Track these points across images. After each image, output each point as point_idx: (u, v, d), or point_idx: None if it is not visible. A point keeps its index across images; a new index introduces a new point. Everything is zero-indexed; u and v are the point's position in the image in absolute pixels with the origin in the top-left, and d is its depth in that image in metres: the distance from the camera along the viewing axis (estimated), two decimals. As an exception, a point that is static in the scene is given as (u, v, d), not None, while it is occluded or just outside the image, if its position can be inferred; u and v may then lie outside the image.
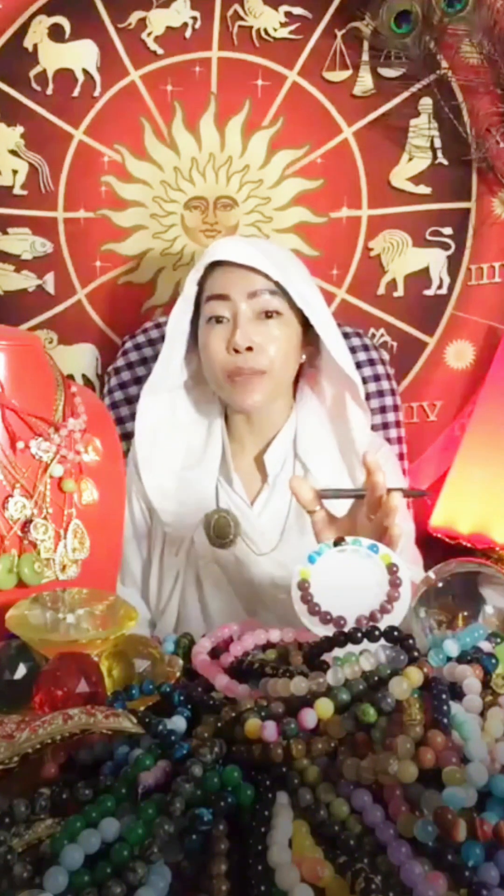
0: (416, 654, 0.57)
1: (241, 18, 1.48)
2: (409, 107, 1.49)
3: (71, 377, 1.45)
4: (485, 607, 0.68)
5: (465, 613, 0.68)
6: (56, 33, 1.46)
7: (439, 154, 1.50)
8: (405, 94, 1.49)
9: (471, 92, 1.47)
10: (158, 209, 1.52)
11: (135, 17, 1.47)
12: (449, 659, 0.59)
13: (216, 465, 1.11)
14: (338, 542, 0.73)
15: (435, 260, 1.53)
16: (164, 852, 0.44)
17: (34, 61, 1.46)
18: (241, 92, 1.50)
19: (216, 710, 0.58)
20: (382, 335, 1.55)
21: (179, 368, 1.12)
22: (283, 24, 1.48)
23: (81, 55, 1.46)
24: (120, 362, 1.40)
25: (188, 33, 1.48)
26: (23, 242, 1.50)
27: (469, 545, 1.42)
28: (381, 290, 1.54)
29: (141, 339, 1.40)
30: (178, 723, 0.56)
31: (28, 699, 0.58)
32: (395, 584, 0.69)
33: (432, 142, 1.50)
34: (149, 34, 1.47)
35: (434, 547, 1.40)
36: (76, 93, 1.47)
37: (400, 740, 0.47)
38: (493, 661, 0.59)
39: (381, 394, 1.35)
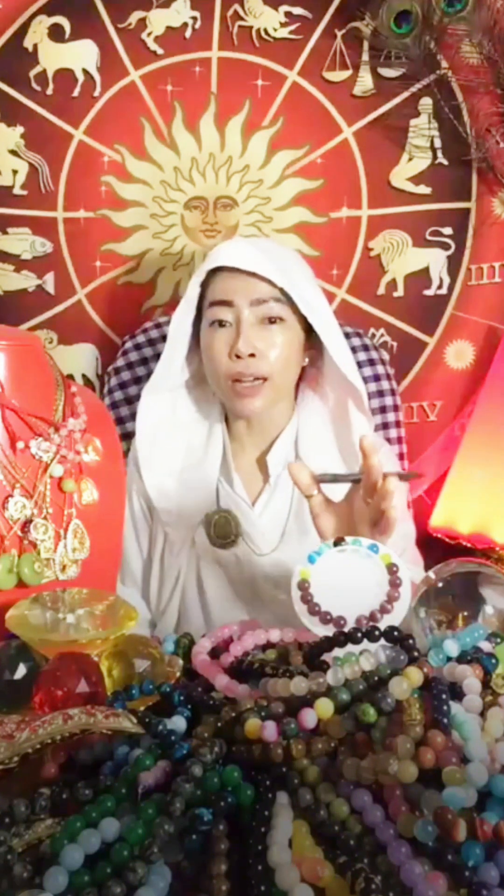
0: (416, 654, 0.57)
1: (241, 18, 1.48)
2: (409, 107, 1.49)
3: (71, 377, 1.45)
4: (485, 607, 0.68)
5: (465, 613, 0.68)
6: (56, 33, 1.46)
7: (439, 154, 1.50)
8: (405, 94, 1.49)
9: (471, 92, 1.47)
10: (158, 209, 1.52)
11: (135, 17, 1.47)
12: (449, 659, 0.59)
13: (217, 466, 1.11)
14: (338, 542, 0.73)
15: (435, 260, 1.53)
16: (164, 852, 0.44)
17: (34, 61, 1.46)
18: (241, 92, 1.50)
19: (216, 710, 0.58)
20: (382, 335, 1.55)
21: (181, 368, 1.12)
22: (283, 24, 1.48)
23: (81, 55, 1.46)
24: (120, 362, 1.40)
25: (188, 33, 1.48)
26: (23, 242, 1.50)
27: (469, 545, 1.42)
28: (381, 290, 1.54)
29: (141, 339, 1.40)
30: (178, 723, 0.56)
31: (28, 699, 0.58)
32: (395, 584, 0.69)
33: (432, 142, 1.50)
34: (149, 34, 1.47)
35: (434, 547, 1.40)
36: (76, 93, 1.47)
37: (400, 740, 0.47)
38: (493, 661, 0.59)
39: (381, 394, 1.35)
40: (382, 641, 0.58)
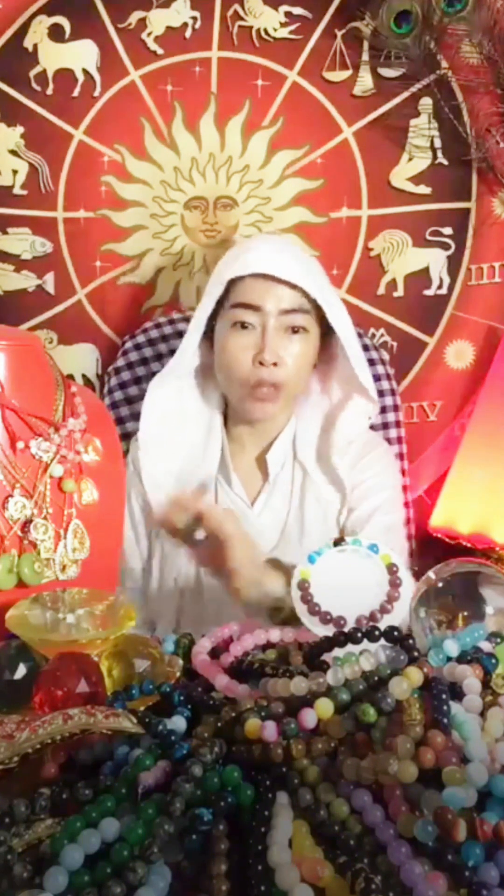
0: (416, 654, 0.57)
1: (241, 18, 1.48)
2: (409, 107, 1.49)
3: (71, 377, 1.45)
4: (485, 607, 0.68)
5: (465, 613, 0.68)
6: (56, 33, 1.46)
7: (439, 154, 1.50)
8: (405, 94, 1.49)
9: (471, 92, 1.47)
10: (158, 209, 1.52)
11: (135, 17, 1.46)
12: (449, 659, 0.59)
13: (215, 465, 1.11)
14: (338, 542, 0.73)
15: (435, 260, 1.53)
16: (164, 852, 0.44)
17: (34, 61, 1.46)
18: (241, 92, 1.50)
19: (216, 710, 0.58)
20: (382, 335, 1.55)
21: (192, 357, 1.12)
22: (283, 24, 1.48)
23: (81, 55, 1.46)
24: (120, 362, 1.40)
25: (188, 33, 1.48)
26: (23, 242, 1.50)
27: (469, 545, 1.42)
28: (381, 290, 1.54)
29: (141, 339, 1.40)
30: (178, 723, 0.56)
31: (28, 699, 0.58)
32: (395, 584, 0.69)
33: (432, 142, 1.50)
34: (149, 34, 1.47)
35: (434, 547, 1.40)
36: (76, 93, 1.47)
37: (400, 740, 0.47)
38: (493, 661, 0.59)
39: (381, 394, 1.34)
40: (382, 641, 0.58)
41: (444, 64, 1.46)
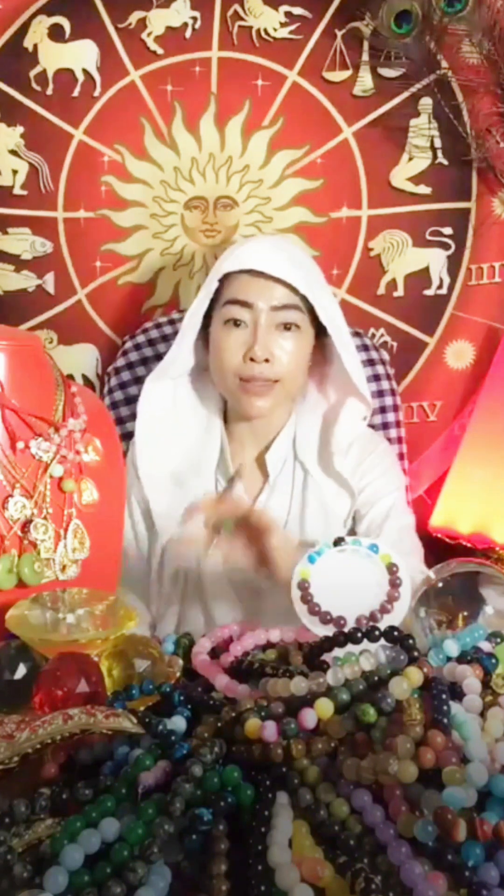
0: (416, 654, 0.57)
1: (241, 18, 1.48)
2: (409, 107, 1.49)
3: (71, 377, 1.45)
4: (485, 607, 0.68)
5: (465, 613, 0.68)
6: (56, 33, 1.46)
7: (439, 154, 1.50)
8: (405, 94, 1.49)
9: (471, 92, 1.47)
10: (158, 209, 1.52)
11: (135, 17, 1.46)
12: (449, 659, 0.59)
13: (214, 465, 1.11)
14: (338, 542, 0.73)
15: (435, 260, 1.53)
16: (164, 852, 0.44)
17: (34, 61, 1.46)
18: (241, 92, 1.50)
19: (216, 710, 0.58)
20: (382, 335, 1.55)
21: (186, 357, 1.12)
22: (283, 24, 1.48)
23: (81, 55, 1.46)
24: (120, 362, 1.40)
25: (188, 33, 1.48)
26: (23, 242, 1.50)
27: (469, 545, 1.42)
28: (381, 290, 1.54)
29: (141, 339, 1.40)
30: (178, 723, 0.56)
31: (28, 699, 0.58)
32: (395, 584, 0.69)
33: (432, 142, 1.50)
34: (149, 34, 1.47)
35: (434, 547, 1.40)
36: (76, 93, 1.47)
37: (400, 740, 0.47)
38: (493, 661, 0.59)
39: (381, 394, 1.35)
40: (382, 641, 0.58)
41: (444, 64, 1.46)
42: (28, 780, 0.52)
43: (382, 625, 0.64)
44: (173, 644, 0.73)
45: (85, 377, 1.54)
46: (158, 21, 1.47)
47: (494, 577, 0.69)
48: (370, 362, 1.35)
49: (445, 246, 1.52)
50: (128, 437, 1.20)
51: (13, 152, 1.47)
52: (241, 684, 0.62)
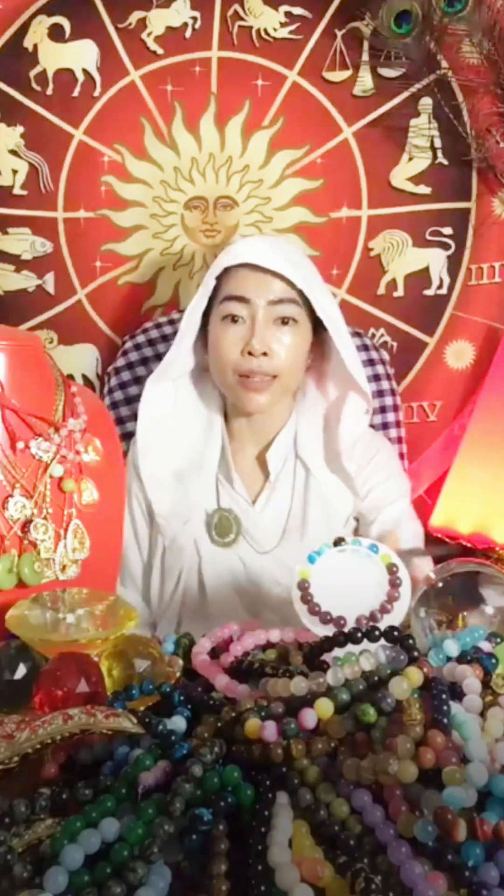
0: (416, 654, 0.57)
1: (241, 18, 1.48)
2: (409, 107, 1.49)
3: (71, 377, 1.45)
4: (485, 607, 0.68)
5: (465, 613, 0.68)
6: (56, 33, 1.45)
7: (439, 154, 1.50)
8: (405, 94, 1.49)
9: (471, 92, 1.47)
10: (158, 209, 1.52)
11: (135, 17, 1.46)
12: (449, 659, 0.59)
13: (215, 464, 1.11)
14: (338, 542, 0.73)
15: (435, 260, 1.53)
16: (164, 852, 0.44)
17: (34, 61, 1.46)
18: (241, 92, 1.49)
19: (216, 710, 0.58)
20: (382, 335, 1.55)
21: (186, 358, 1.12)
22: (283, 24, 1.48)
23: (81, 55, 1.46)
24: (120, 362, 1.40)
25: (188, 33, 1.48)
26: (23, 242, 1.50)
27: (469, 545, 1.42)
28: (381, 290, 1.54)
29: (141, 339, 1.40)
30: (178, 723, 0.56)
31: (28, 699, 0.58)
32: (395, 584, 0.69)
33: (432, 142, 1.50)
34: (149, 34, 1.47)
35: (434, 547, 1.40)
36: (76, 93, 1.47)
37: (400, 740, 0.47)
38: (493, 661, 0.59)
39: (381, 394, 1.35)
40: (382, 641, 0.58)
41: (444, 64, 1.46)
42: (28, 780, 0.52)
43: (382, 625, 0.64)
44: (173, 644, 0.73)
45: (85, 377, 1.54)
46: (158, 21, 1.47)
47: (494, 577, 0.69)
48: (370, 362, 1.35)
49: (445, 246, 1.52)
50: (128, 437, 1.20)
51: (13, 152, 1.47)
52: (241, 684, 0.62)
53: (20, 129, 1.47)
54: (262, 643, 0.71)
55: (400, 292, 1.54)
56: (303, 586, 0.70)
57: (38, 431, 0.77)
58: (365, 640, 0.59)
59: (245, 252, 1.04)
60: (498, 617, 0.68)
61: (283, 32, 1.48)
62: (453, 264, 1.53)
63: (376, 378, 1.35)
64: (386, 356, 1.39)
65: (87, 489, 0.80)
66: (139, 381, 1.35)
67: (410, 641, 0.57)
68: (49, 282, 1.51)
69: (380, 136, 1.51)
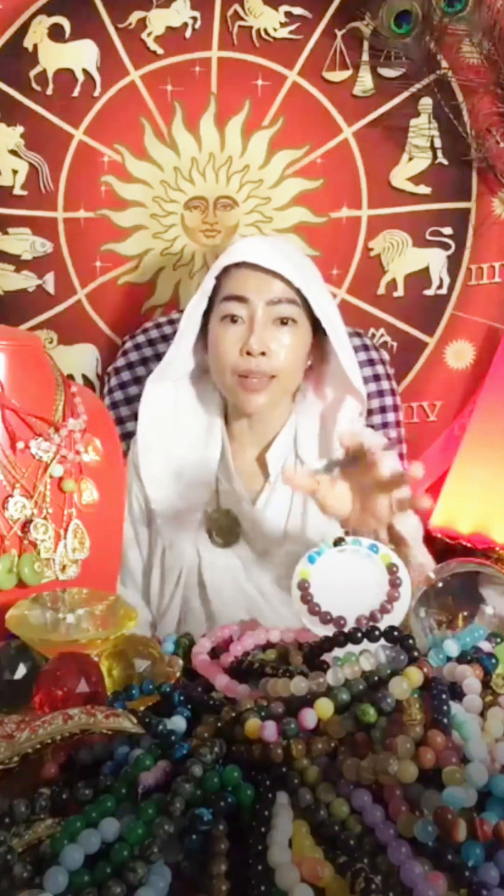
0: (416, 654, 0.57)
1: (241, 18, 1.48)
2: (409, 107, 1.49)
3: (71, 377, 1.45)
4: (485, 607, 0.68)
5: (465, 613, 0.68)
6: (56, 33, 1.46)
7: (439, 154, 1.50)
8: (405, 94, 1.49)
9: (471, 92, 1.47)
10: (158, 209, 1.52)
11: (135, 17, 1.46)
12: (449, 659, 0.59)
13: (216, 464, 1.11)
14: (338, 542, 0.73)
15: (435, 260, 1.53)
16: (164, 852, 0.44)
17: (34, 61, 1.46)
18: (241, 92, 1.50)
19: (216, 710, 0.58)
20: (382, 335, 1.55)
21: (186, 359, 1.12)
22: (283, 24, 1.48)
23: (81, 55, 1.46)
24: (120, 362, 1.40)
25: (188, 33, 1.48)
26: (23, 242, 1.50)
27: (469, 545, 1.42)
28: (381, 290, 1.54)
29: (141, 339, 1.40)
30: (178, 723, 0.56)
31: (28, 699, 0.58)
32: (395, 584, 0.69)
33: (432, 142, 1.50)
34: (149, 34, 1.47)
35: (434, 547, 1.40)
36: (76, 93, 1.47)
37: (400, 740, 0.47)
38: (493, 661, 0.59)
39: (381, 394, 1.35)
40: (382, 641, 0.58)
41: (444, 64, 1.46)
42: (28, 780, 0.52)
43: (382, 625, 0.64)
44: (173, 644, 0.73)
45: (85, 377, 1.54)
46: (158, 21, 1.47)
47: (494, 577, 0.69)
48: (370, 362, 1.35)
49: (445, 246, 1.52)
50: (128, 437, 1.20)
51: (13, 152, 1.47)
52: (241, 684, 0.62)
53: (20, 129, 1.47)
54: (262, 643, 0.71)
55: (400, 292, 1.54)
56: (303, 586, 0.70)
57: (38, 431, 0.77)
58: (365, 640, 0.59)
59: (244, 252, 1.04)
60: (498, 617, 0.68)
61: (283, 32, 1.48)
62: (453, 264, 1.53)
63: (376, 378, 1.35)
64: (386, 356, 1.39)
65: (87, 489, 0.80)
66: (139, 381, 1.35)
67: (410, 641, 0.57)
68: (49, 282, 1.52)
69: (380, 136, 1.51)
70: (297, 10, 1.48)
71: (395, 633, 0.58)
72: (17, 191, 1.48)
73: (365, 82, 1.49)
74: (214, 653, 0.70)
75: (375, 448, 0.81)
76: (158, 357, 1.35)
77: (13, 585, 0.73)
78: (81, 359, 1.54)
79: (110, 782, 0.51)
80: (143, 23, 1.47)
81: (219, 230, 1.53)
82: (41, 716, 0.52)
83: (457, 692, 0.54)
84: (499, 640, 0.63)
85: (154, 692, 0.61)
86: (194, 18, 1.47)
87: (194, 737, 0.55)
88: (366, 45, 1.48)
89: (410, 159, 1.51)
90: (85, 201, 1.51)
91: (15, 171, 1.48)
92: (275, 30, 1.48)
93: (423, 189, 1.51)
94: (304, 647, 0.69)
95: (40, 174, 1.48)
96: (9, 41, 1.46)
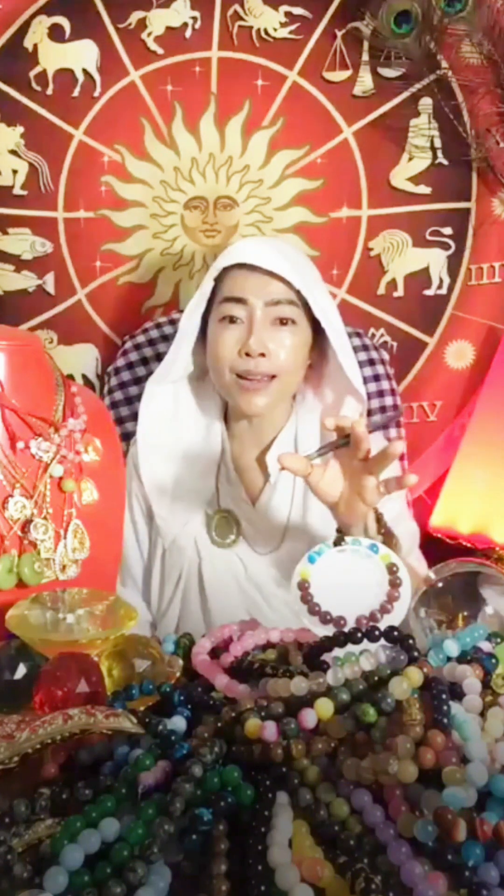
0: (416, 654, 0.57)
1: (241, 18, 1.47)
2: (409, 107, 1.49)
3: (71, 377, 1.45)
4: (485, 607, 0.68)
5: (465, 613, 0.68)
6: (56, 33, 1.45)
7: (439, 154, 1.50)
8: (405, 94, 1.49)
9: (471, 92, 1.46)
10: (158, 209, 1.52)
11: (135, 17, 1.46)
12: (449, 659, 0.59)
13: (216, 465, 1.11)
14: (338, 542, 0.73)
15: (435, 260, 1.53)
16: (164, 852, 0.44)
17: (34, 61, 1.46)
18: (241, 92, 1.49)
19: (216, 710, 0.58)
20: (382, 335, 1.55)
21: (186, 360, 1.12)
22: (283, 24, 1.47)
23: (81, 55, 1.46)
24: (120, 362, 1.40)
25: (188, 33, 1.48)
26: (23, 242, 1.50)
27: (469, 545, 1.42)
28: (381, 290, 1.54)
29: (141, 339, 1.40)
30: (178, 723, 0.56)
31: (28, 699, 0.58)
32: (395, 584, 0.69)
33: (432, 142, 1.50)
34: (149, 34, 1.47)
35: (434, 547, 1.40)
36: (76, 93, 1.47)
37: (400, 740, 0.47)
38: (493, 661, 0.59)
39: (380, 394, 1.35)
40: (382, 641, 0.58)
41: (444, 64, 1.46)
42: (28, 780, 0.52)
43: (382, 625, 0.64)
44: (173, 644, 0.73)
45: (85, 377, 1.54)
46: (158, 21, 1.46)
47: (494, 577, 0.69)
48: (370, 362, 1.35)
49: (445, 246, 1.52)
50: (128, 437, 1.20)
51: (13, 152, 1.47)
52: (241, 684, 0.62)
53: (20, 129, 1.47)
54: (262, 643, 0.71)
55: (400, 292, 1.54)
56: (303, 586, 0.70)
57: (38, 431, 0.77)
58: (365, 640, 0.59)
59: (243, 253, 1.04)
60: (498, 617, 0.68)
61: (283, 32, 1.48)
62: (453, 264, 1.53)
63: (376, 378, 1.35)
64: (386, 356, 1.39)
65: (87, 489, 0.80)
66: (139, 381, 1.35)
67: (410, 641, 0.57)
68: (49, 282, 1.51)
69: (380, 136, 1.51)
70: (297, 11, 1.47)
71: (395, 633, 0.58)
72: (17, 191, 1.48)
73: (365, 82, 1.49)
74: (214, 653, 0.70)
75: (359, 426, 0.84)
76: (158, 357, 1.35)
77: (13, 585, 0.73)
78: (81, 359, 1.54)
79: (110, 782, 0.51)
80: (143, 23, 1.46)
81: (219, 230, 1.53)
82: (41, 716, 0.52)
83: (457, 692, 0.54)
84: (499, 640, 0.63)
85: (154, 692, 0.61)
86: (194, 18, 1.47)
87: (194, 737, 0.55)
88: (366, 45, 1.48)
89: (410, 159, 1.51)
90: (85, 201, 1.51)
91: (15, 171, 1.48)
92: (275, 30, 1.48)
93: (423, 189, 1.51)
94: (304, 647, 0.69)
95: (40, 174, 1.48)
96: (9, 41, 1.46)
